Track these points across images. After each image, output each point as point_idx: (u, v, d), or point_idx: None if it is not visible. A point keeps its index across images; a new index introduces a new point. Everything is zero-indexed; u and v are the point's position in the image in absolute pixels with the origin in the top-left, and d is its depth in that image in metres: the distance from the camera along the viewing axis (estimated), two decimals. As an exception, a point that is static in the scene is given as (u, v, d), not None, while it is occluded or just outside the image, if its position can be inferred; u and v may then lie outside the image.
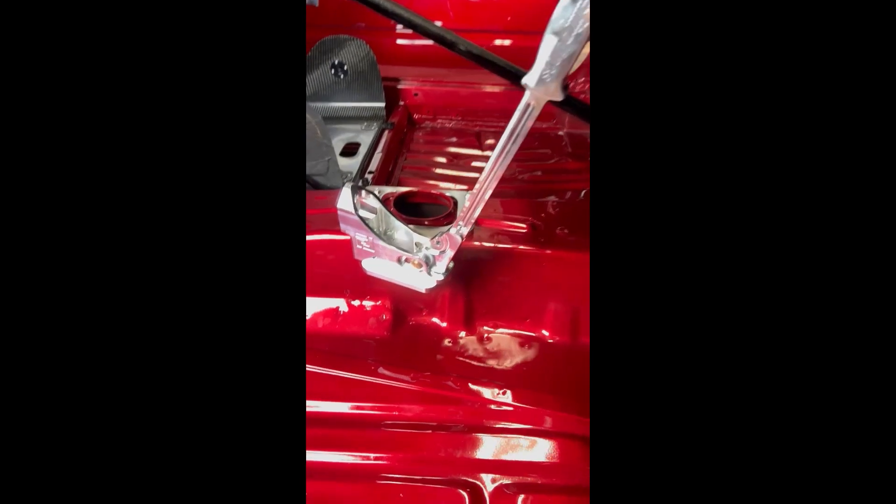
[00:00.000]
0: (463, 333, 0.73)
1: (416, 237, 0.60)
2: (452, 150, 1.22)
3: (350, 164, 1.06)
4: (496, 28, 1.51)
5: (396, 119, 1.24)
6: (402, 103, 1.32)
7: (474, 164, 1.17)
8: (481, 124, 1.32)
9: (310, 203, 0.74)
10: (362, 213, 0.59)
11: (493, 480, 0.58)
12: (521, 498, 0.56)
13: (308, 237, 0.68)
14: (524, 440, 0.60)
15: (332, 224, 0.64)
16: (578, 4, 0.34)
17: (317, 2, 0.79)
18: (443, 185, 1.08)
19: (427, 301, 0.73)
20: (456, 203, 0.67)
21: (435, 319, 0.74)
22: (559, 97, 0.40)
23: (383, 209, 0.61)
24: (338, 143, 1.15)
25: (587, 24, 0.35)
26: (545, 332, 0.73)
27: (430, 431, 0.61)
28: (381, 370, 0.66)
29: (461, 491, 0.57)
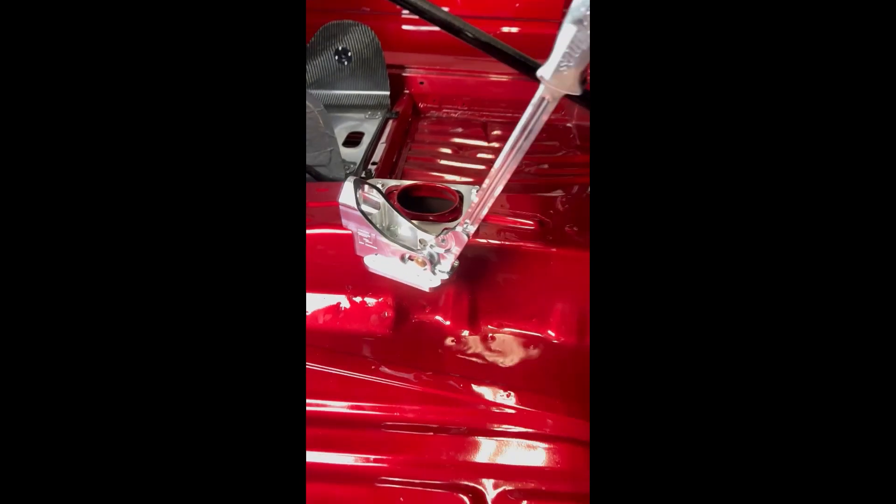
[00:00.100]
0: (466, 332, 0.71)
1: (421, 233, 0.57)
2: (458, 140, 1.19)
3: (353, 154, 1.04)
4: (505, 15, 1.47)
5: (401, 108, 1.21)
6: (407, 92, 1.29)
7: (480, 155, 1.13)
8: (488, 115, 1.28)
9: (311, 195, 0.72)
10: (365, 207, 0.57)
11: (496, 486, 0.56)
12: None
13: (308, 231, 0.67)
14: (528, 444, 0.59)
15: (334, 217, 0.62)
16: None
17: None
18: (448, 177, 1.06)
19: (430, 298, 0.71)
20: (462, 197, 0.65)
21: (438, 317, 0.72)
22: (577, 91, 0.38)
23: (387, 204, 0.58)
24: (341, 133, 1.13)
25: None
26: (551, 333, 0.71)
27: (431, 433, 0.60)
28: (383, 369, 0.64)
29: (462, 496, 0.55)
